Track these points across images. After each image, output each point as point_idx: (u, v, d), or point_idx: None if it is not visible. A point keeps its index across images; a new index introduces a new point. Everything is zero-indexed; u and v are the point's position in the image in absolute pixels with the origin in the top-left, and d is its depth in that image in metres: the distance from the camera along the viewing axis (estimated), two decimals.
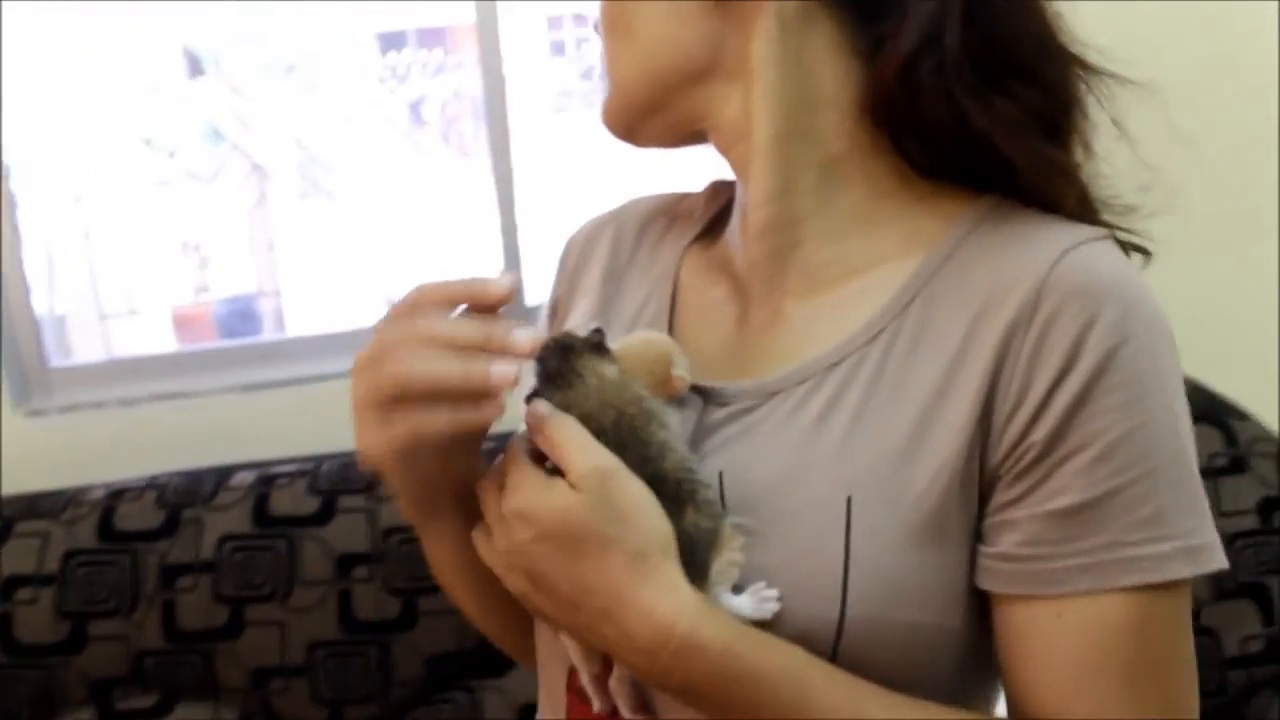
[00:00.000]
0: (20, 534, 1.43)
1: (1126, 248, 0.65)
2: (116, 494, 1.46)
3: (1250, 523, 1.52)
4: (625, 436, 0.60)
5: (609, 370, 0.61)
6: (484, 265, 1.79)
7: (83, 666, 1.41)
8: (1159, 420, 0.58)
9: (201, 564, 1.41)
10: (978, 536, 0.61)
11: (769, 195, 0.67)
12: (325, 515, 1.43)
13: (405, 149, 3.21)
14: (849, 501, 0.60)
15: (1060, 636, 0.59)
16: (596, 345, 0.62)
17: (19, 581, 1.40)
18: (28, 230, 1.72)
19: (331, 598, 1.41)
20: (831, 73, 0.65)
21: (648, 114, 0.70)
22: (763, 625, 0.59)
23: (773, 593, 0.59)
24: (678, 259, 0.76)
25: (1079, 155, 0.65)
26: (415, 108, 3.50)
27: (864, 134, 0.66)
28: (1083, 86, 0.64)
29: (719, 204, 0.78)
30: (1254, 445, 1.56)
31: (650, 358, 0.65)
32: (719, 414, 0.66)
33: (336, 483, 1.45)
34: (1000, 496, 0.60)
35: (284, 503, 1.44)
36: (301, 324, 3.10)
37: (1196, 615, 1.51)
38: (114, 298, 1.96)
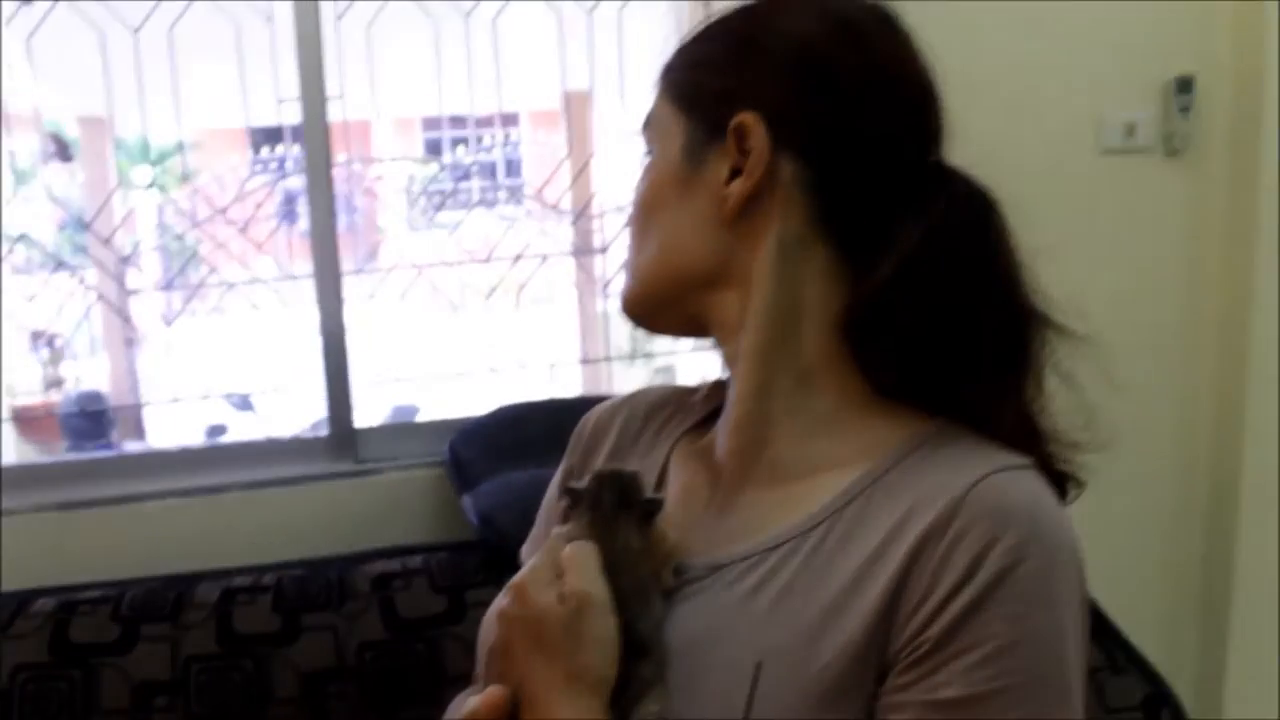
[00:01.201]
0: None
1: (1064, 478, 0.74)
2: None
3: None
4: (624, 586, 0.70)
5: (639, 539, 0.72)
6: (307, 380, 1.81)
7: None
8: (1044, 635, 0.64)
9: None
10: (872, 712, 0.66)
11: (750, 393, 0.76)
12: (128, 643, 1.40)
13: (279, 245, 3.19)
14: (758, 666, 0.67)
15: None
16: (649, 513, 0.73)
17: None
18: None
19: None
20: (818, 291, 0.74)
21: (661, 306, 0.81)
22: None
23: None
24: (670, 445, 0.85)
25: (1031, 390, 0.74)
26: (289, 203, 3.50)
27: (838, 349, 0.75)
28: (1036, 334, 0.73)
29: (717, 400, 0.84)
30: None
31: (666, 549, 0.75)
32: (675, 581, 0.75)
33: (140, 610, 1.43)
34: (894, 680, 0.65)
35: (84, 631, 1.41)
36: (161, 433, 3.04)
37: None
38: None
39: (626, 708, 0.68)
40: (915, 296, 0.71)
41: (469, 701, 0.71)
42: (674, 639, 0.71)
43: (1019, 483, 0.68)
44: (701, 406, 0.87)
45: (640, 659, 0.69)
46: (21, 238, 2.57)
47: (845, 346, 0.74)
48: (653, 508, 0.73)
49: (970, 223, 0.73)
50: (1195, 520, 2.07)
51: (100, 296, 2.40)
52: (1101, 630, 1.62)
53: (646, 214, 0.79)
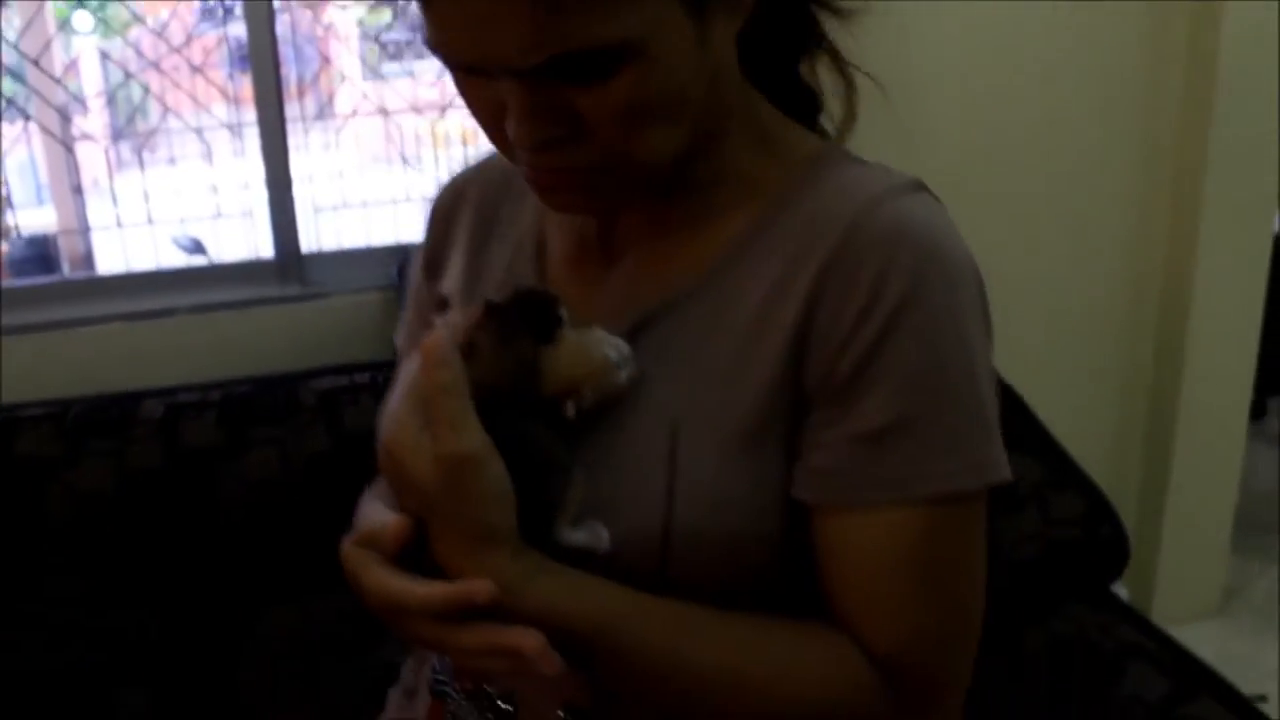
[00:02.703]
0: None
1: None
2: None
3: None
4: (520, 406, 0.64)
5: (539, 358, 0.65)
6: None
7: None
8: (954, 355, 0.64)
9: None
10: (793, 453, 0.66)
11: (668, 156, 0.66)
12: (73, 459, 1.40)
13: (225, 92, 3.10)
14: (674, 423, 0.66)
15: (863, 545, 0.65)
16: (549, 334, 0.66)
17: None
18: None
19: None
20: (729, 55, 0.68)
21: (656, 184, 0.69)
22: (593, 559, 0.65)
23: (602, 531, 0.66)
24: (540, 214, 0.79)
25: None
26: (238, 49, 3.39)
27: (741, 92, 0.71)
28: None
29: None
30: None
31: (598, 359, 0.66)
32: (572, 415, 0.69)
33: (84, 426, 1.42)
34: (813, 418, 0.66)
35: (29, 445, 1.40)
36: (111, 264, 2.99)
37: None
38: None
39: (552, 531, 0.65)
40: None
41: (376, 518, 0.66)
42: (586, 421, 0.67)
43: (912, 204, 0.67)
44: None
45: (548, 479, 0.65)
46: None
47: (745, 85, 0.71)
48: (552, 329, 0.66)
49: None
50: (1146, 338, 2.09)
51: (45, 133, 2.33)
52: (1045, 446, 1.65)
53: (667, 97, 0.63)
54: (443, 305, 0.81)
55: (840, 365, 0.64)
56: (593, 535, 0.66)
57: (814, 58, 0.76)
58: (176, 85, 2.68)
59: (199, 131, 2.62)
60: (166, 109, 2.80)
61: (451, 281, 0.81)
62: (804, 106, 0.77)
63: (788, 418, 0.66)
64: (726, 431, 0.66)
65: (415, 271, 0.87)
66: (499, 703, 0.73)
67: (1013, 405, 1.65)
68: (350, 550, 0.65)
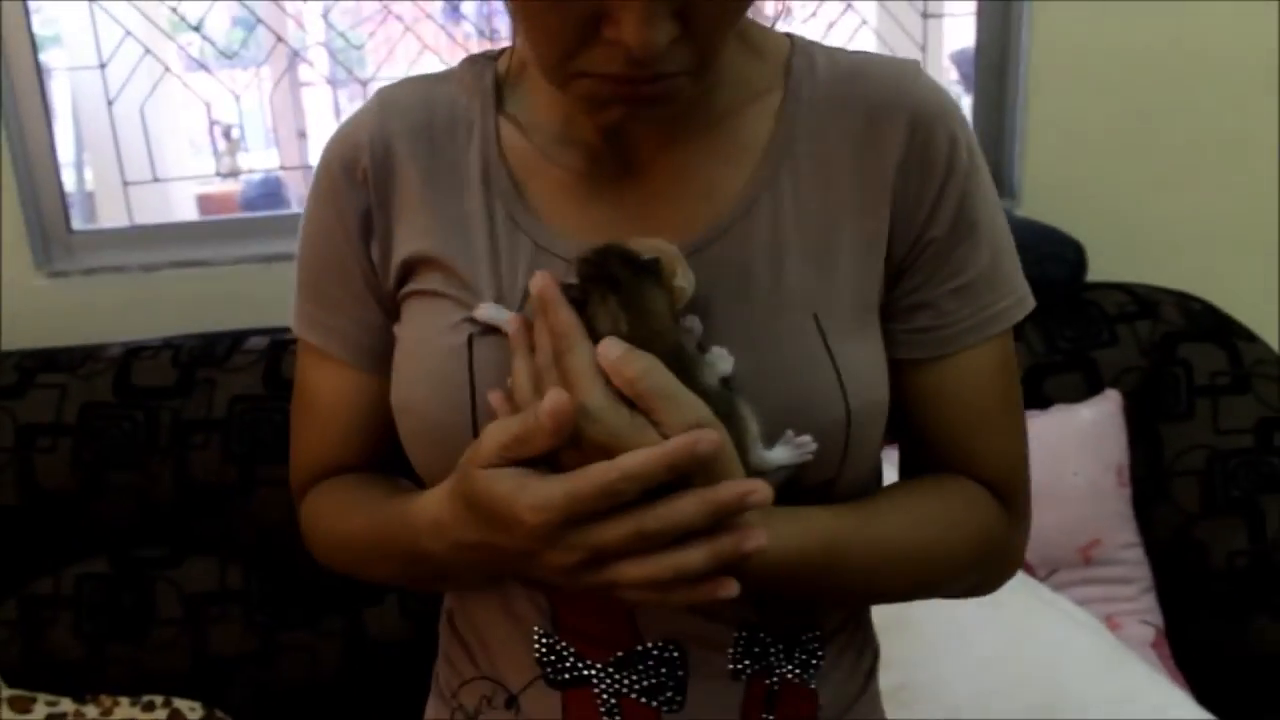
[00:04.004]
0: (40, 385, 1.48)
1: None
2: (133, 352, 1.51)
3: (1247, 441, 1.53)
4: (679, 367, 0.60)
5: (662, 301, 0.61)
6: None
7: (98, 515, 1.47)
8: (995, 203, 0.73)
9: (214, 422, 1.46)
10: (887, 318, 0.72)
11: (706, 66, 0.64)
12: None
13: (441, 40, 3.17)
14: (815, 317, 0.67)
15: (960, 386, 0.72)
16: (654, 273, 0.61)
17: (38, 430, 1.46)
18: (57, 98, 1.74)
19: None
20: None
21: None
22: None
23: (806, 438, 0.65)
24: (492, 146, 0.72)
25: None
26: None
27: None
28: None
29: (490, 77, 0.75)
30: (1257, 366, 1.56)
31: (682, 266, 0.63)
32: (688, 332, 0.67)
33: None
34: (908, 284, 0.71)
35: (295, 366, 1.47)
36: None
37: (1189, 528, 1.53)
38: (139, 167, 1.98)
39: (748, 463, 0.61)
40: None
41: (497, 433, 0.59)
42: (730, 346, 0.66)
43: (926, 79, 0.72)
44: (479, 91, 0.74)
45: (729, 416, 0.61)
46: (198, 28, 2.60)
47: None
48: (656, 266, 0.61)
49: None
50: None
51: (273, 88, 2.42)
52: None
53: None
54: (409, 267, 0.73)
55: (931, 231, 0.70)
56: (791, 448, 0.64)
57: None
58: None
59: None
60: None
61: (418, 240, 0.72)
62: None
63: (879, 288, 0.70)
64: (848, 309, 0.69)
65: (326, 239, 0.75)
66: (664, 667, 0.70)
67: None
68: (483, 477, 0.58)
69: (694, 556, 0.56)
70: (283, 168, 2.99)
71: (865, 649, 0.80)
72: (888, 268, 0.70)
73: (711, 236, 0.68)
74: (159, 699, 1.41)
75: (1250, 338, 1.58)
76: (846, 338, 0.68)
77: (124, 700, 1.41)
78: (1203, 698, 1.39)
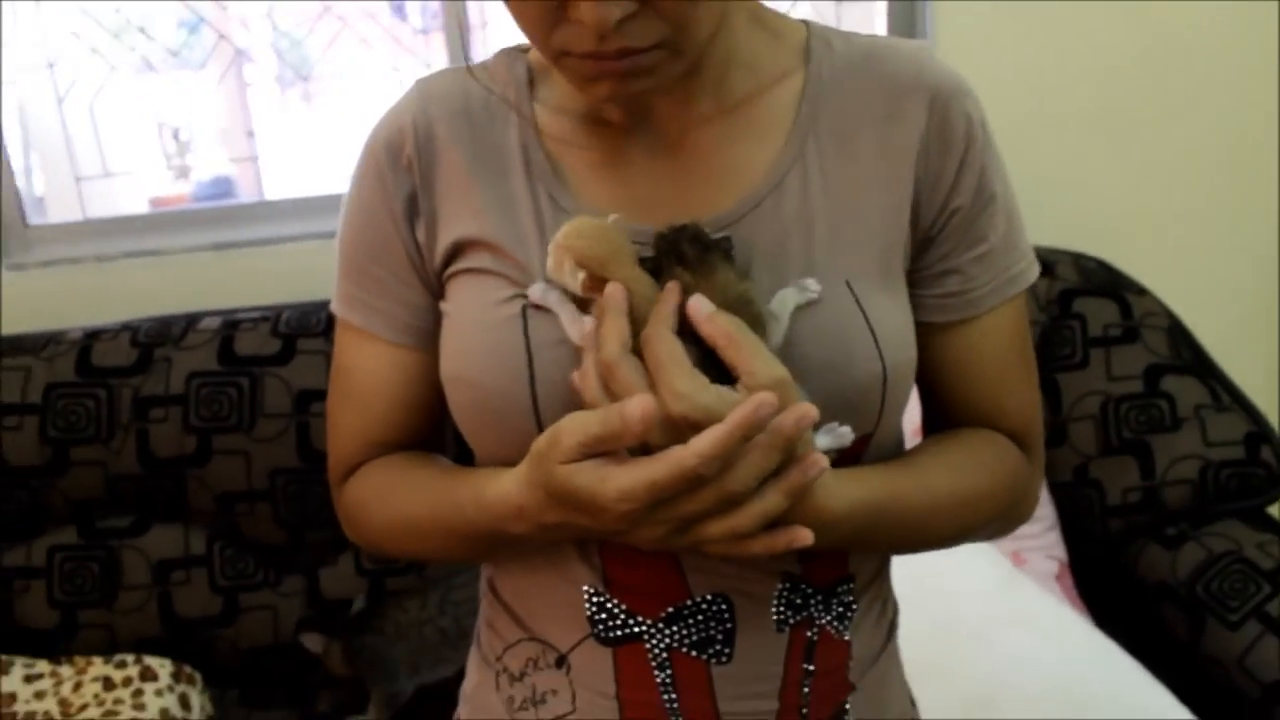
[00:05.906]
0: (5, 368, 1.56)
1: None
2: (93, 335, 1.59)
3: (1137, 387, 1.66)
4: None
5: (732, 273, 0.67)
6: None
7: (65, 489, 1.55)
8: (1006, 175, 0.78)
9: (172, 397, 1.54)
10: (916, 285, 0.76)
11: (713, 29, 0.67)
12: (286, 356, 1.56)
13: (384, 42, 3.22)
14: (848, 283, 0.71)
15: (986, 344, 0.78)
16: (727, 251, 0.67)
17: (5, 410, 1.54)
18: (5, 97, 1.81)
19: (291, 430, 1.55)
20: None
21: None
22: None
23: (846, 428, 0.69)
24: (530, 131, 0.75)
25: None
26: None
27: None
28: None
29: (523, 67, 0.78)
30: (1147, 318, 1.69)
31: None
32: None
33: (296, 327, 1.57)
34: (937, 251, 0.75)
35: (248, 344, 1.56)
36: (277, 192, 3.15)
37: (1086, 469, 1.66)
38: (90, 163, 2.04)
39: None
40: None
41: (578, 427, 0.61)
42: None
43: (938, 61, 0.76)
44: (514, 79, 0.77)
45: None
46: (141, 30, 2.64)
47: None
48: (729, 244, 0.68)
49: None
50: None
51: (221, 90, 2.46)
52: (1205, 369, 1.66)
53: None
54: (458, 248, 0.75)
55: (955, 201, 0.74)
56: (835, 435, 0.69)
57: None
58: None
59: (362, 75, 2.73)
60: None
61: (467, 222, 0.74)
62: None
63: (904, 255, 0.75)
64: (877, 274, 0.72)
65: (369, 221, 0.77)
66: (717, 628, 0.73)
67: (1176, 330, 1.67)
68: (563, 471, 0.61)
69: (771, 500, 0.60)
70: (232, 160, 3.05)
71: (888, 604, 0.83)
72: (915, 236, 0.74)
73: (743, 210, 0.72)
74: (130, 657, 1.50)
75: (1140, 291, 1.71)
76: (878, 301, 0.71)
77: (97, 659, 1.49)
78: (1101, 622, 1.50)
